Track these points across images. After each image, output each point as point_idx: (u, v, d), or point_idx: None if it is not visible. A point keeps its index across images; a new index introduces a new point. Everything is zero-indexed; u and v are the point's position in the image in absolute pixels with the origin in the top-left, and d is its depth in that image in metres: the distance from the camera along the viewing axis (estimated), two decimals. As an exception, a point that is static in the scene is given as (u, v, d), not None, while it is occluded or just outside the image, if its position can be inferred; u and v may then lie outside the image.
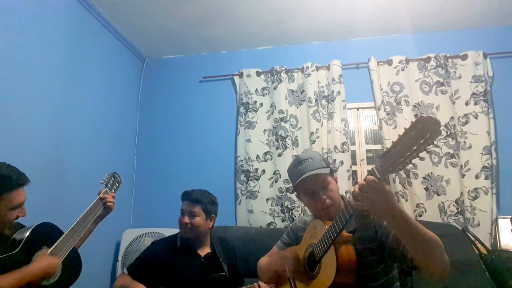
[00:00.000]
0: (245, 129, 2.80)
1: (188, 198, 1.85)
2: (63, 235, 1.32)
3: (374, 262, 1.26)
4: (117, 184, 1.71)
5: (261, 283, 1.59)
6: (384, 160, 0.96)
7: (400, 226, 1.04)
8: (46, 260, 1.21)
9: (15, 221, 1.28)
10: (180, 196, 2.00)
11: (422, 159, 0.75)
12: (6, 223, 1.24)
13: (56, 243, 1.28)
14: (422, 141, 0.86)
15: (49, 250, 1.27)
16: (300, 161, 1.38)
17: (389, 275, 1.29)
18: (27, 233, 1.25)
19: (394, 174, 2.44)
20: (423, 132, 0.86)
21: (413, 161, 0.90)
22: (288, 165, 1.47)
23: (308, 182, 1.33)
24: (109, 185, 1.64)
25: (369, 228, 1.29)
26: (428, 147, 0.87)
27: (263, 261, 1.62)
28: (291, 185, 1.64)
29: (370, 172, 1.00)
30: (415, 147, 0.87)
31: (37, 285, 1.18)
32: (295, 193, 1.47)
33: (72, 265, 1.36)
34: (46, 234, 1.31)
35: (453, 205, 2.36)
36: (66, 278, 1.31)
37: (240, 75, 2.93)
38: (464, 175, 2.41)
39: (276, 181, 2.66)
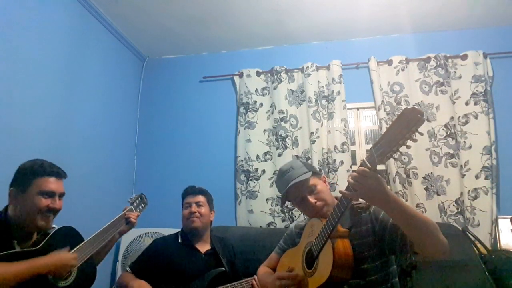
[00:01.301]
0: (245, 129, 2.80)
1: (192, 191, 1.96)
2: (83, 242, 1.37)
3: (372, 256, 1.27)
4: (142, 205, 1.80)
5: (256, 278, 1.60)
6: (374, 151, 1.01)
7: (395, 210, 1.07)
8: (58, 255, 1.24)
9: (50, 214, 1.30)
10: (180, 196, 2.01)
11: (408, 147, 0.78)
12: (36, 211, 1.26)
13: (75, 249, 1.32)
14: (407, 131, 0.92)
15: None
16: (282, 173, 1.41)
17: (387, 269, 1.30)
18: (51, 233, 1.32)
19: (394, 174, 2.45)
20: (407, 123, 0.92)
21: (400, 149, 0.98)
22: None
23: (294, 191, 1.37)
24: (134, 204, 1.73)
25: (365, 223, 1.30)
26: (413, 135, 0.93)
27: (260, 271, 1.64)
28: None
29: (361, 163, 1.05)
30: (401, 137, 0.93)
31: (48, 279, 1.20)
32: (288, 203, 1.49)
33: (87, 273, 1.40)
34: (67, 238, 1.37)
35: (453, 205, 2.36)
36: (80, 283, 1.35)
37: (240, 75, 2.93)
38: (464, 175, 2.41)
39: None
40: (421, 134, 0.93)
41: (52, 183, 1.31)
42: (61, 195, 1.36)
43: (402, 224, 1.12)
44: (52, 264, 1.19)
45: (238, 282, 1.67)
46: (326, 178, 1.58)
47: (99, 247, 1.44)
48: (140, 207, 1.77)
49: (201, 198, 1.93)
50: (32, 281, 1.13)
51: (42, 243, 1.27)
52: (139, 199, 1.78)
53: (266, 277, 1.54)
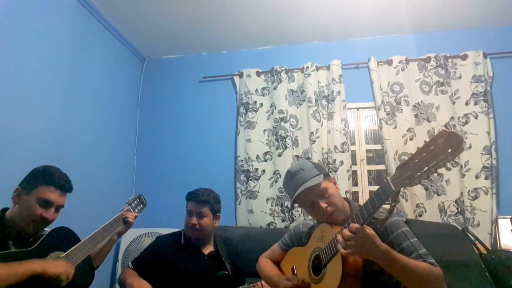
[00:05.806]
0: (245, 129, 2.80)
1: (195, 199, 1.82)
2: (80, 242, 1.36)
3: (381, 269, 1.20)
4: (141, 206, 1.78)
5: (263, 283, 1.59)
6: (401, 172, 0.90)
7: (388, 263, 1.08)
8: (56, 262, 1.22)
9: (42, 224, 1.31)
10: (180, 196, 2.00)
11: (440, 174, 0.73)
12: (30, 218, 1.27)
13: (72, 248, 1.32)
14: (442, 157, 0.81)
15: (64, 254, 1.30)
16: (292, 175, 1.33)
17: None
18: (45, 234, 1.32)
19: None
20: (444, 147, 0.81)
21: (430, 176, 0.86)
22: (288, 167, 1.44)
23: (304, 195, 1.29)
24: (133, 205, 1.71)
25: (376, 232, 1.27)
26: (448, 163, 0.82)
27: (263, 263, 1.60)
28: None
29: (384, 183, 0.95)
30: (434, 162, 0.82)
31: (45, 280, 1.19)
32: (296, 205, 1.39)
33: (85, 272, 1.40)
34: (63, 238, 1.37)
35: (453, 205, 2.36)
36: (78, 284, 1.34)
37: (240, 75, 2.93)
38: (464, 175, 2.41)
39: (276, 181, 2.66)
40: (457, 163, 0.85)
41: (53, 194, 1.32)
42: (59, 207, 1.36)
43: (395, 275, 1.12)
44: (48, 268, 1.17)
45: (241, 287, 1.66)
46: (336, 180, 1.49)
47: (97, 247, 1.43)
48: (139, 208, 1.75)
49: (204, 209, 1.80)
50: (29, 281, 1.12)
51: (37, 244, 1.26)
52: (137, 200, 1.76)
53: (274, 275, 1.49)
